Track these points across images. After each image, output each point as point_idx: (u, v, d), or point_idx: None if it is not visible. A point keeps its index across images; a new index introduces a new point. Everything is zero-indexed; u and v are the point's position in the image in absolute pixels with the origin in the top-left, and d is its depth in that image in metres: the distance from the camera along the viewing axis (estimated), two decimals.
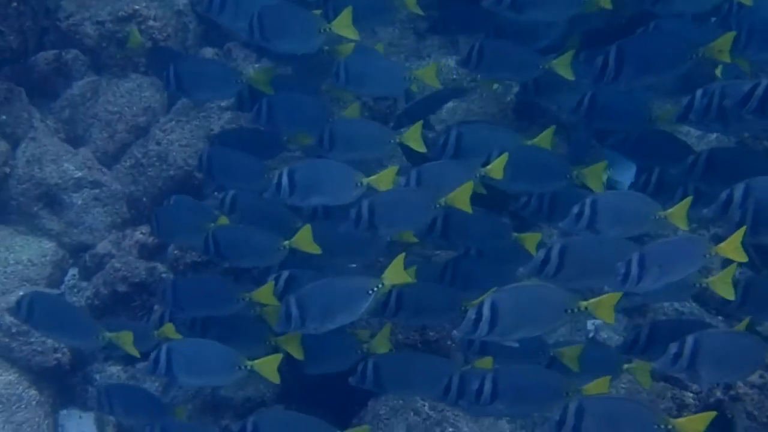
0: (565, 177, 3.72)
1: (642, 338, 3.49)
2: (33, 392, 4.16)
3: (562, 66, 3.91)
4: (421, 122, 3.87)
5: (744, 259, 3.20)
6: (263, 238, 3.69)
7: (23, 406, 4.11)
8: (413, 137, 3.84)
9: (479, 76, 4.50)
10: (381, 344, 3.59)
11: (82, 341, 3.76)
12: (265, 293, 3.58)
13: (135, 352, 3.64)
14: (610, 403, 3.07)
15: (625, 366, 3.48)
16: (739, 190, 3.31)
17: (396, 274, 3.36)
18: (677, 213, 3.39)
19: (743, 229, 3.20)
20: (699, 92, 3.62)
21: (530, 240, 3.68)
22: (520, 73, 4.08)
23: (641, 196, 3.51)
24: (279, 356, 3.48)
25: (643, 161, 4.02)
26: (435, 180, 3.59)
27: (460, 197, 3.50)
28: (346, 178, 3.63)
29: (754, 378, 3.66)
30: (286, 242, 3.63)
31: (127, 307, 4.36)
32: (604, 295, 3.16)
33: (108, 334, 3.62)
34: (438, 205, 3.51)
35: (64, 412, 4.29)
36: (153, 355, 3.49)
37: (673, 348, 3.08)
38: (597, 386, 3.19)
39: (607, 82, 3.67)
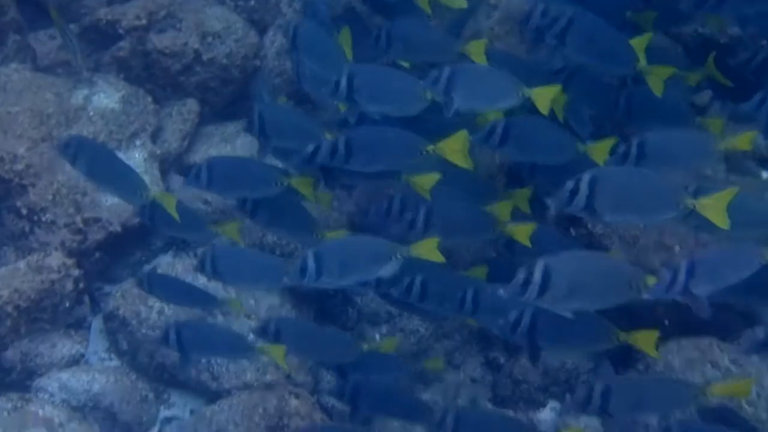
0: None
1: None
2: None
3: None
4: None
5: None
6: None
7: None
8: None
9: None
10: None
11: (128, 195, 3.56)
12: (304, 183, 3.47)
13: (175, 215, 3.45)
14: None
15: None
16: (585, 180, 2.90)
17: (427, 249, 3.15)
18: None
19: None
20: None
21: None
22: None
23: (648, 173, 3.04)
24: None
25: None
26: None
27: (426, 250, 3.17)
28: (379, 254, 3.22)
29: None
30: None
31: None
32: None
33: (151, 193, 3.49)
34: (398, 256, 3.17)
35: None
36: (200, 254, 3.48)
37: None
38: None
39: None
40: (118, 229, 4.09)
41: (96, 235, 4.07)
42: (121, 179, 3.49)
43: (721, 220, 2.84)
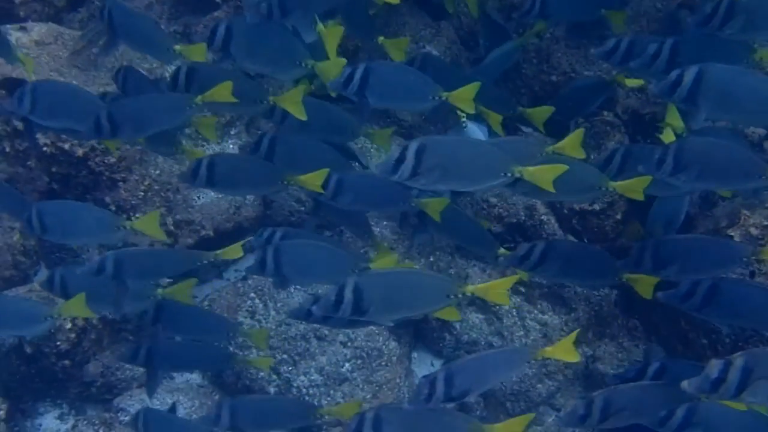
0: None
1: None
2: (392, 344, 3.73)
3: None
4: None
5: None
6: None
7: (383, 363, 3.70)
8: None
9: None
10: None
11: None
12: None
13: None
14: None
15: None
16: (690, 72, 2.91)
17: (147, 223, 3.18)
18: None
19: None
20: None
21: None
22: None
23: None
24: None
25: None
26: None
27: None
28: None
29: None
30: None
31: None
32: (498, 280, 2.96)
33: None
34: None
35: (415, 355, 3.88)
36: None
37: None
38: None
39: None
40: (210, 233, 3.83)
41: (187, 239, 3.81)
42: None
43: (548, 184, 2.87)
